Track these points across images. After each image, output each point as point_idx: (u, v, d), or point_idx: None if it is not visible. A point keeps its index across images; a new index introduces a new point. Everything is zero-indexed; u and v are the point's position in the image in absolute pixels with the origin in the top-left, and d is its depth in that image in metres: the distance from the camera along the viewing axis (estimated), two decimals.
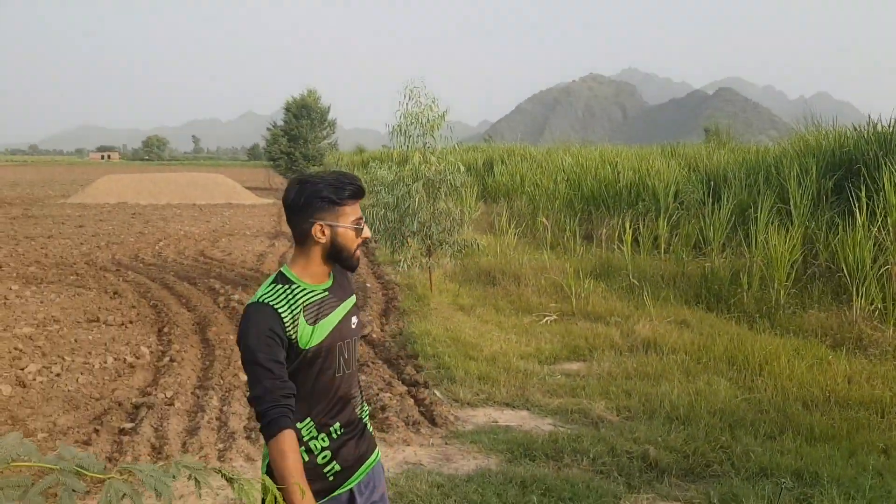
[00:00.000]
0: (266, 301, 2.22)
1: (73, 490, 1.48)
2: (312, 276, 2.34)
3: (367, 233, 2.38)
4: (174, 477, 1.49)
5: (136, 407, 6.37)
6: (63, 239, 17.97)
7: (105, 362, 7.65)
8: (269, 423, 2.14)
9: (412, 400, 6.58)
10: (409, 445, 5.58)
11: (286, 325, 2.20)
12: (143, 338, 8.74)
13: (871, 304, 8.52)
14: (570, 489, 4.67)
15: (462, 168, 10.49)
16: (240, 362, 7.70)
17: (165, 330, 9.07)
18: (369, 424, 2.55)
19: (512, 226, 15.95)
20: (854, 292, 8.61)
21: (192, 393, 6.77)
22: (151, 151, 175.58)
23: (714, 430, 5.71)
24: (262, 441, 5.61)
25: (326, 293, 2.35)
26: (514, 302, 10.61)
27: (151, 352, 8.15)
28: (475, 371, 7.34)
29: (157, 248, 16.81)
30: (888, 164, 10.05)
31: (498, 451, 5.46)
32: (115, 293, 11.22)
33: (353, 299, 2.47)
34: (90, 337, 8.66)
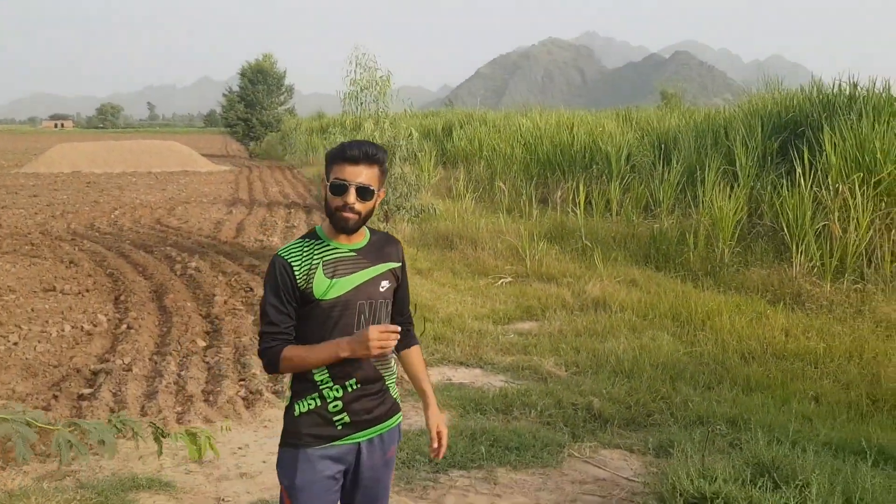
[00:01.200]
0: (281, 254, 2.46)
1: (26, 438, 1.64)
2: (337, 234, 2.49)
3: (349, 197, 2.40)
4: (117, 429, 1.64)
5: (95, 373, 6.45)
6: (17, 209, 17.68)
7: (62, 330, 7.69)
8: (267, 363, 2.45)
9: None
10: None
11: (297, 275, 2.42)
12: (100, 306, 8.77)
13: (811, 260, 8.89)
14: (517, 439, 4.91)
15: (415, 134, 10.60)
16: (197, 329, 7.76)
17: (122, 298, 9.10)
18: (394, 390, 2.62)
19: (470, 190, 16.11)
20: (794, 250, 8.97)
21: (149, 359, 6.86)
22: (106, 119, 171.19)
23: (656, 382, 6.00)
24: (219, 403, 5.76)
25: (353, 253, 2.49)
26: (470, 265, 10.83)
27: (109, 319, 8.20)
28: (431, 332, 7.55)
29: (112, 216, 16.65)
30: (829, 125, 10.39)
31: (451, 406, 5.68)
32: (70, 262, 11.17)
33: (389, 265, 2.57)
34: (47, 306, 8.66)
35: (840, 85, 11.87)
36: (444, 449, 2.65)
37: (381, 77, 10.75)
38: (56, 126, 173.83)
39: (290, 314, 2.45)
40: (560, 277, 9.76)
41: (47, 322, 7.98)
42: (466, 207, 14.61)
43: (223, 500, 4.31)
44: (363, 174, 2.42)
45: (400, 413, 2.65)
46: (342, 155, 2.42)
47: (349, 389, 2.46)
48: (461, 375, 6.54)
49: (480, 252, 11.38)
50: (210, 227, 15.15)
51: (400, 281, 2.63)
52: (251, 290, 9.41)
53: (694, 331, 7.39)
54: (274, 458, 4.92)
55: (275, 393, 6.09)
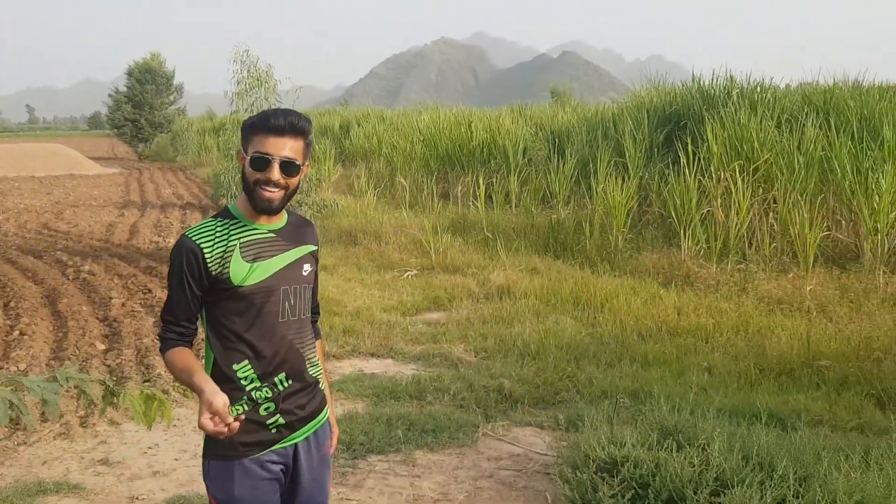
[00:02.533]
0: (190, 235, 2.22)
1: None
2: (256, 214, 2.27)
3: (272, 173, 2.19)
4: (62, 387, 1.61)
5: None
6: None
7: None
8: (161, 348, 2.25)
9: None
10: None
11: (208, 260, 2.19)
12: None
13: (697, 244, 9.43)
14: (433, 422, 5.03)
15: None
16: (95, 332, 7.46)
17: (12, 304, 8.64)
18: (322, 382, 2.47)
19: (371, 187, 16.13)
20: (682, 234, 9.49)
21: (46, 364, 6.58)
22: None
23: (561, 362, 6.25)
24: (126, 405, 5.60)
25: (272, 234, 2.29)
26: (375, 259, 10.89)
27: None
28: (340, 325, 7.57)
29: None
30: (710, 117, 11.03)
31: (364, 396, 5.74)
32: None
33: (309, 248, 2.40)
34: None
35: (719, 80, 12.60)
36: (334, 448, 2.56)
37: (264, 72, 10.74)
38: None
39: (191, 303, 2.23)
40: (465, 268, 9.96)
41: None
42: (369, 203, 14.63)
43: (137, 498, 4.22)
44: (287, 147, 2.20)
45: (328, 406, 2.49)
46: (265, 125, 2.19)
47: (280, 387, 2.28)
48: (373, 366, 6.59)
49: (385, 246, 11.45)
50: (102, 230, 14.55)
51: (315, 266, 2.46)
52: (149, 291, 9.15)
53: (594, 313, 7.72)
54: (185, 456, 4.90)
55: (182, 393, 5.98)
